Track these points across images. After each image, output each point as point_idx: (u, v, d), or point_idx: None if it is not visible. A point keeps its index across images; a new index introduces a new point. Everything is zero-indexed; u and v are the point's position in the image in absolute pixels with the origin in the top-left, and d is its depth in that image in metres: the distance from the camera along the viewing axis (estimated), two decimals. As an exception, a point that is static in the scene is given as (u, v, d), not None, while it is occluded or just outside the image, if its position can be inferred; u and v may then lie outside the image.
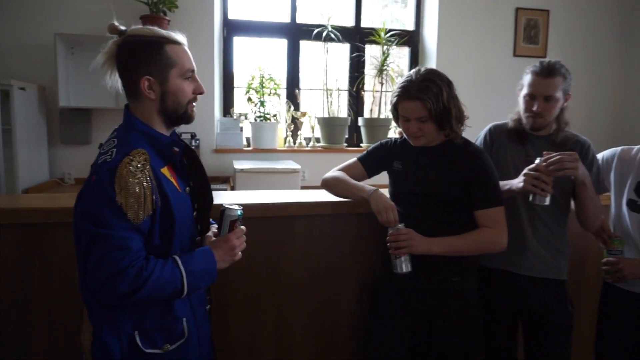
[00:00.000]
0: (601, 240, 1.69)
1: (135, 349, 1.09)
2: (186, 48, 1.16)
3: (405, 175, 1.56)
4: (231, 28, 3.60)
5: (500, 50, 3.81)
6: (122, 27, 1.12)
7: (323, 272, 1.73)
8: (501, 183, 1.59)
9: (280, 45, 3.73)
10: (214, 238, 1.22)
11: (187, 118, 1.18)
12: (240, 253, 1.19)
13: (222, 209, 1.19)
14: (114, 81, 1.15)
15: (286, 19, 3.70)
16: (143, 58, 1.09)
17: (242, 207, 1.20)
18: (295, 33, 3.70)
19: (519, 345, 1.69)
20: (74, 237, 1.09)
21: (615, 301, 1.66)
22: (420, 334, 1.53)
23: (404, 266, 1.40)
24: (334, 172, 1.66)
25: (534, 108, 1.55)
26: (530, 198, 1.48)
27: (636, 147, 1.71)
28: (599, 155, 1.74)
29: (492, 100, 3.77)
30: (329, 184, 1.64)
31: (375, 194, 1.49)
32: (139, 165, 1.04)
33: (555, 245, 1.61)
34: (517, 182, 1.51)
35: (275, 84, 3.54)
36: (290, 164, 3.13)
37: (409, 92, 1.41)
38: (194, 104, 1.18)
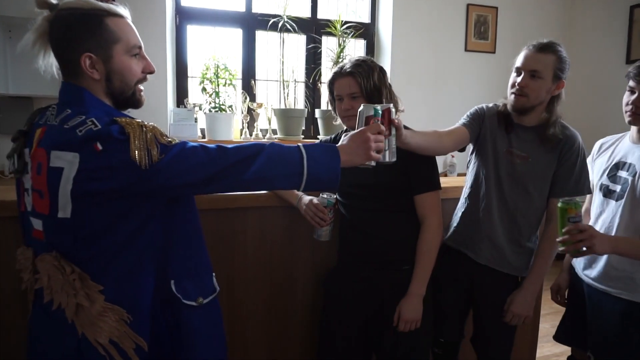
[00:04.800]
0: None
1: (170, 299, 1.05)
2: (129, 22, 1.04)
3: (348, 168, 1.57)
4: (184, 16, 3.49)
5: (452, 45, 3.90)
6: (54, 1, 0.99)
7: (276, 264, 1.73)
8: None
9: (236, 35, 3.66)
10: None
11: (136, 102, 1.06)
12: (376, 154, 1.10)
13: (359, 109, 1.16)
14: (48, 64, 1.02)
15: (241, 8, 3.63)
16: (80, 33, 0.97)
17: (380, 107, 1.15)
18: (251, 23, 3.64)
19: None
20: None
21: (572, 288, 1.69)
22: (372, 324, 1.55)
23: (328, 235, 1.53)
24: None
25: (517, 82, 1.46)
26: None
27: (613, 137, 1.70)
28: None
29: (444, 93, 3.88)
30: None
31: (300, 202, 1.56)
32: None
33: (519, 241, 1.57)
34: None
35: (230, 74, 3.48)
36: (245, 156, 3.09)
37: (342, 70, 1.47)
38: (142, 87, 1.07)
